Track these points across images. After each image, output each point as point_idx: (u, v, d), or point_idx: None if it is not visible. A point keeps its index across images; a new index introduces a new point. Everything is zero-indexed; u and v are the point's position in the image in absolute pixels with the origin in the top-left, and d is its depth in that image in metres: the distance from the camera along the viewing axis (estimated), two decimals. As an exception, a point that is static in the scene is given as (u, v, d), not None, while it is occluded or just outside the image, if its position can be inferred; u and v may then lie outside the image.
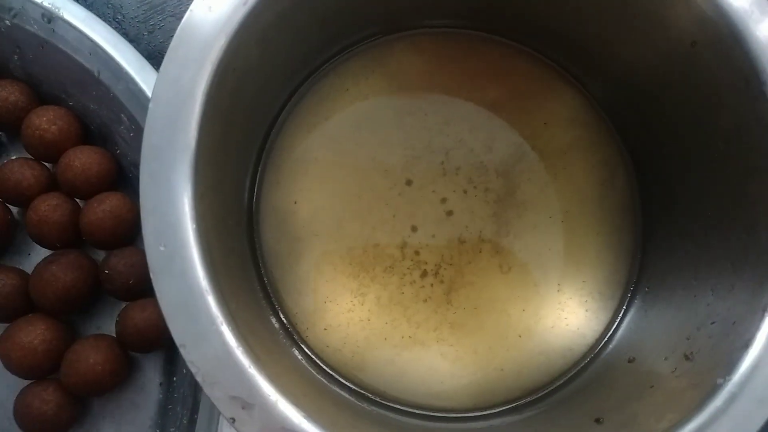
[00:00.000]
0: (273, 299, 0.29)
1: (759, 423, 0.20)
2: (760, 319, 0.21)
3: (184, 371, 0.30)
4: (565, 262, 0.30)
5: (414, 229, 0.30)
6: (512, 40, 0.32)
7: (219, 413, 0.27)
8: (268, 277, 0.30)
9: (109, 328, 0.32)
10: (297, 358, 0.28)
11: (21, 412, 0.29)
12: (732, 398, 0.20)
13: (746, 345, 0.21)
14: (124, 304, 0.32)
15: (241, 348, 0.20)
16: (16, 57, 0.33)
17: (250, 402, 0.20)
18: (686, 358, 0.23)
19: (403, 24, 0.32)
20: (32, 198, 0.31)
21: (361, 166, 0.31)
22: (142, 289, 0.30)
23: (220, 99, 0.23)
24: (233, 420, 0.20)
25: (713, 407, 0.20)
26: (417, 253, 0.30)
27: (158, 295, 0.20)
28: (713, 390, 0.21)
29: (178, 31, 0.22)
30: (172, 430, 0.30)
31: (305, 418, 0.20)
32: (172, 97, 0.21)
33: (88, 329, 0.33)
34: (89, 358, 0.29)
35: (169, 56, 0.22)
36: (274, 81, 0.29)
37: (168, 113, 0.21)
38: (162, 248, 0.20)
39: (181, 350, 0.20)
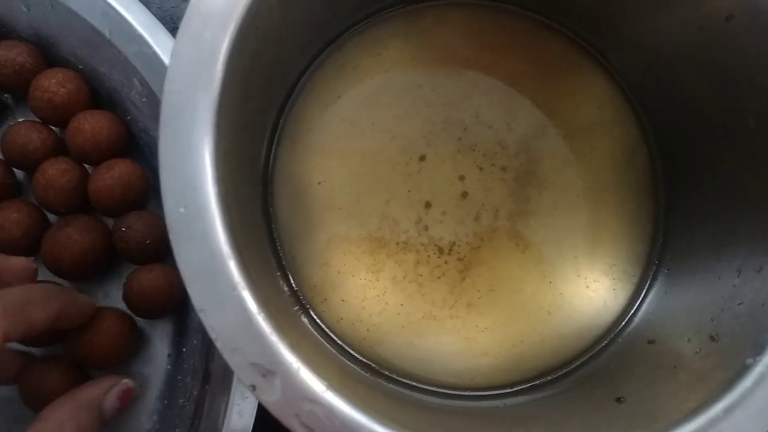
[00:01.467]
0: (288, 271, 0.29)
1: (791, 403, 0.19)
2: (792, 299, 0.20)
3: (194, 342, 0.30)
4: (584, 242, 0.30)
5: (429, 205, 0.30)
6: (537, 13, 0.31)
7: (231, 384, 0.27)
8: (283, 249, 0.29)
9: (117, 297, 0.31)
10: (311, 330, 0.28)
11: (29, 388, 0.28)
12: (762, 378, 0.20)
13: (776, 325, 0.20)
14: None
15: (262, 314, 0.19)
16: (24, 17, 0.32)
17: (271, 369, 0.19)
18: (711, 338, 0.23)
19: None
20: (38, 161, 0.31)
21: (377, 140, 0.30)
22: (155, 251, 0.30)
23: (242, 59, 0.22)
24: (254, 388, 0.19)
25: (742, 387, 0.20)
26: (433, 230, 0.30)
27: (177, 258, 0.19)
28: (742, 370, 0.20)
29: (201, -14, 0.21)
30: (181, 401, 0.29)
31: (328, 388, 0.19)
32: (194, 55, 0.20)
33: (95, 296, 0.32)
34: (98, 333, 0.28)
35: (190, 11, 0.21)
36: (294, 46, 0.28)
37: (189, 71, 0.20)
38: (182, 210, 0.20)
39: (201, 315, 0.19)
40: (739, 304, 0.23)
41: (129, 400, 0.27)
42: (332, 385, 0.19)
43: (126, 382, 0.27)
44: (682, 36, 0.27)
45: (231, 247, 0.20)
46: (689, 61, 0.27)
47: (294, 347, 0.20)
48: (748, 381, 0.20)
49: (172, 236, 0.19)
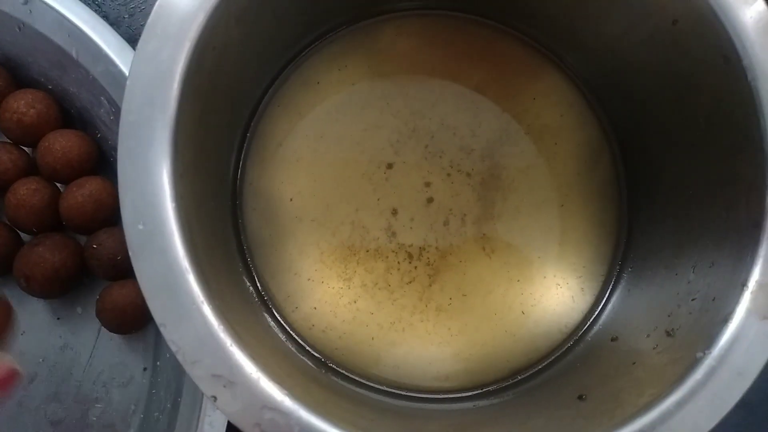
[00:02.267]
0: (257, 282, 0.29)
1: (738, 395, 0.20)
2: (739, 294, 0.21)
3: (168, 355, 0.30)
4: (550, 243, 0.30)
5: (397, 213, 0.30)
6: (497, 21, 0.31)
7: (202, 396, 0.27)
8: (252, 260, 0.30)
9: (92, 313, 0.32)
10: (281, 339, 0.28)
11: None
12: (711, 372, 0.20)
13: (725, 320, 0.21)
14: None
15: (222, 326, 0.20)
16: (-8, 39, 0.32)
17: (231, 380, 0.20)
18: (667, 334, 0.24)
19: (386, 6, 0.31)
20: (9, 182, 0.31)
21: (344, 152, 0.31)
22: (127, 267, 0.30)
23: (200, 78, 0.22)
24: (215, 398, 0.20)
25: (693, 381, 0.20)
26: (402, 237, 0.30)
27: (138, 274, 0.20)
28: (693, 364, 0.21)
29: (156, 7, 0.21)
30: (156, 414, 0.30)
31: (287, 395, 0.20)
32: (151, 74, 0.21)
33: (70, 313, 0.32)
34: None
35: (147, 32, 0.21)
36: (255, 64, 0.28)
37: (146, 90, 0.21)
38: (141, 226, 0.20)
39: (162, 329, 0.20)
40: (693, 299, 0.24)
41: (9, 384, 0.22)
42: (294, 393, 0.20)
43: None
44: (634, 39, 0.27)
45: (190, 262, 0.20)
46: (643, 65, 0.28)
47: (255, 357, 0.20)
48: (698, 374, 0.20)
49: (131, 252, 0.20)
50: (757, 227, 0.22)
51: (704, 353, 0.21)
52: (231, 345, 0.20)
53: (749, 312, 0.21)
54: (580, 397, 0.24)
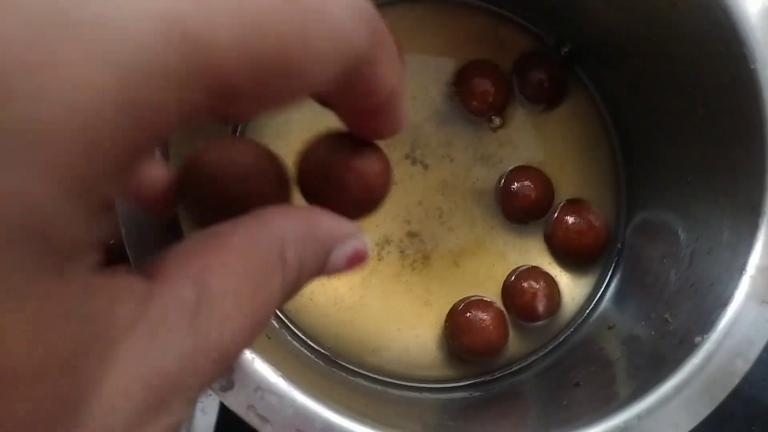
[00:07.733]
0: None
1: (736, 379, 0.20)
2: (738, 279, 0.21)
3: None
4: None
5: (393, 201, 0.30)
6: (494, 5, 0.31)
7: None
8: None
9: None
10: (272, 324, 0.28)
11: None
12: (710, 356, 0.20)
13: (724, 304, 0.21)
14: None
15: (215, 306, 0.19)
16: None
17: (225, 361, 0.19)
18: (665, 320, 0.24)
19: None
20: None
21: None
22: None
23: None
24: (207, 380, 0.19)
25: (691, 365, 0.20)
26: (399, 224, 0.30)
27: (129, 251, 0.19)
28: (691, 349, 0.21)
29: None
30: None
31: (282, 377, 0.19)
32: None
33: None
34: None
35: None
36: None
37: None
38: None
39: (154, 309, 0.19)
40: (691, 285, 0.23)
41: (356, 267, 0.17)
42: (287, 375, 0.20)
43: (365, 242, 0.17)
44: (633, 22, 0.27)
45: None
46: (641, 49, 0.27)
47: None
48: (696, 359, 0.20)
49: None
50: (756, 212, 0.22)
51: (702, 338, 0.21)
52: (225, 325, 0.19)
53: (748, 296, 0.20)
54: (576, 384, 0.24)
